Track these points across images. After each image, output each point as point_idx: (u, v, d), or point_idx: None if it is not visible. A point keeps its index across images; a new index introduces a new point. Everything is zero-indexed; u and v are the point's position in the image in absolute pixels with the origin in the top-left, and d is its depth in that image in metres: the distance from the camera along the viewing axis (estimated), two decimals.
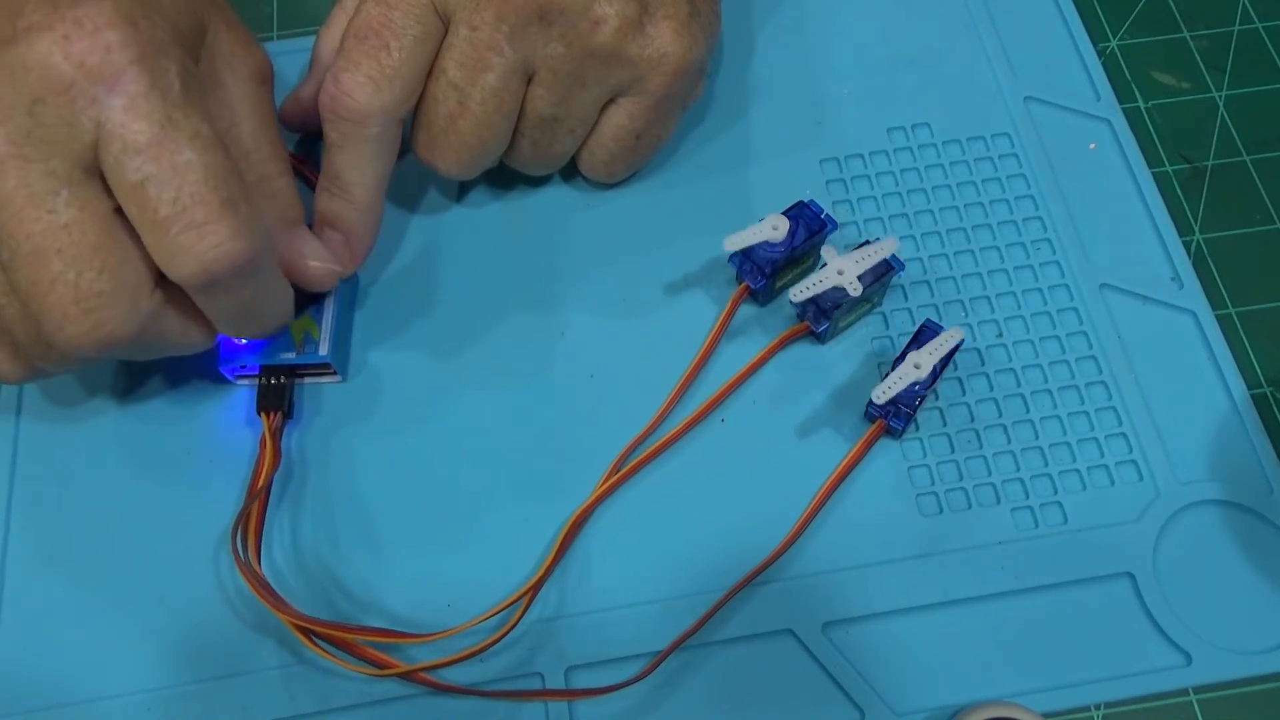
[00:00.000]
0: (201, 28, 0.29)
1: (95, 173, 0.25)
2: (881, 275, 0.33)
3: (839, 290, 0.32)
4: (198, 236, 0.25)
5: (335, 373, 0.34)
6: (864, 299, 0.34)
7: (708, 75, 0.37)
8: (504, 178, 0.38)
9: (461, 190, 0.38)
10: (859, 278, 0.32)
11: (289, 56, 0.40)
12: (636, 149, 0.35)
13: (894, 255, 0.33)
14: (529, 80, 0.32)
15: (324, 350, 0.33)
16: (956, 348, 0.32)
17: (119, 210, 0.26)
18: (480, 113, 0.32)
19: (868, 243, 0.33)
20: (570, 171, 0.37)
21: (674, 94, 0.33)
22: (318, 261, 0.32)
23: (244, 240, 0.26)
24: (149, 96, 0.25)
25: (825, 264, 0.33)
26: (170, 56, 0.26)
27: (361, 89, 0.31)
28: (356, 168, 0.32)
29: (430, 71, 0.32)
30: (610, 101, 0.34)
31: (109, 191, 0.25)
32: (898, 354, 0.32)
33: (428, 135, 0.33)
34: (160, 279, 0.27)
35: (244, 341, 0.33)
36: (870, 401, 0.32)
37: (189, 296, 0.28)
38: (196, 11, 0.28)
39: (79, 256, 0.25)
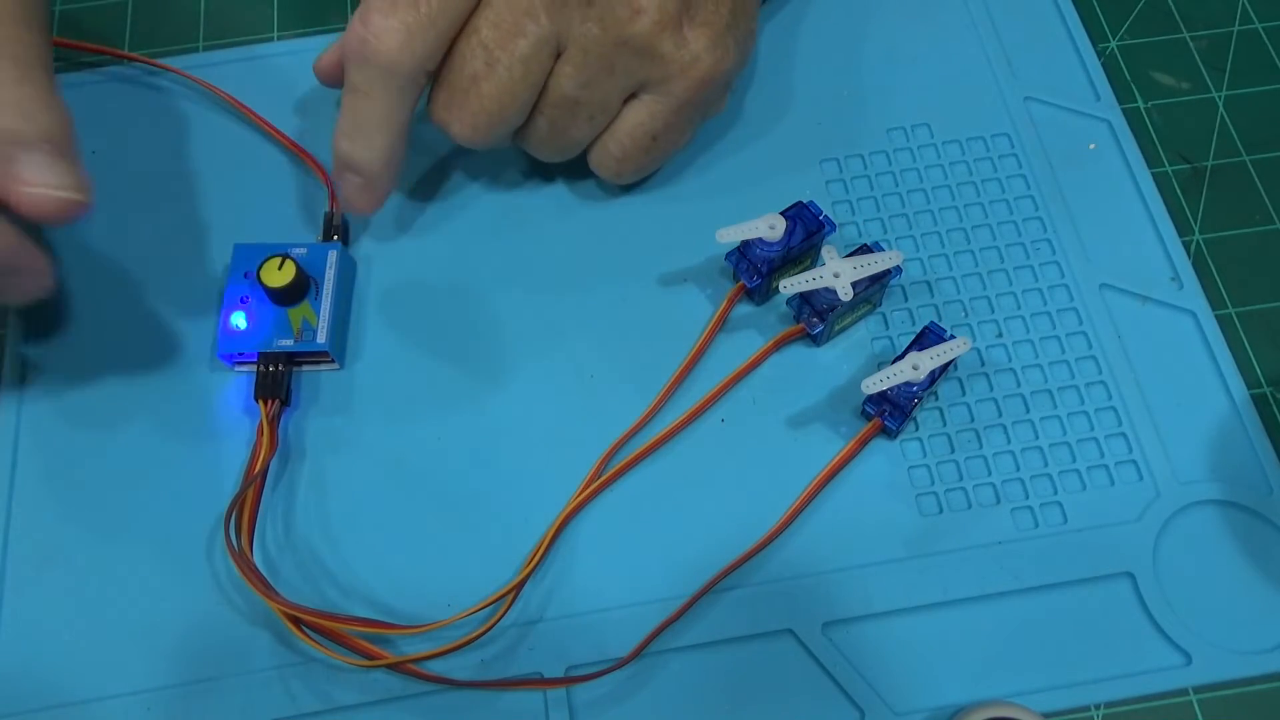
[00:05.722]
0: None
1: None
2: (879, 277, 0.33)
3: (830, 292, 0.32)
4: None
5: (333, 361, 0.34)
6: (863, 300, 0.34)
7: (733, 92, 0.37)
8: (508, 172, 0.38)
9: (465, 185, 0.38)
10: (853, 284, 0.32)
11: (289, 57, 0.41)
12: (650, 150, 0.34)
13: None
14: (558, 56, 0.31)
15: (322, 338, 0.33)
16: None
17: None
18: (505, 78, 0.31)
19: (867, 248, 0.33)
20: (572, 170, 0.37)
21: (697, 101, 0.33)
22: (41, 189, 0.27)
23: None
24: None
25: (824, 263, 0.33)
26: None
27: (393, 34, 0.30)
28: (379, 114, 0.31)
29: (462, 28, 0.31)
30: (633, 96, 0.33)
31: None
32: (897, 355, 0.32)
33: (448, 94, 0.32)
34: None
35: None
36: (865, 399, 0.32)
37: None
38: None
39: None
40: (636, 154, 0.34)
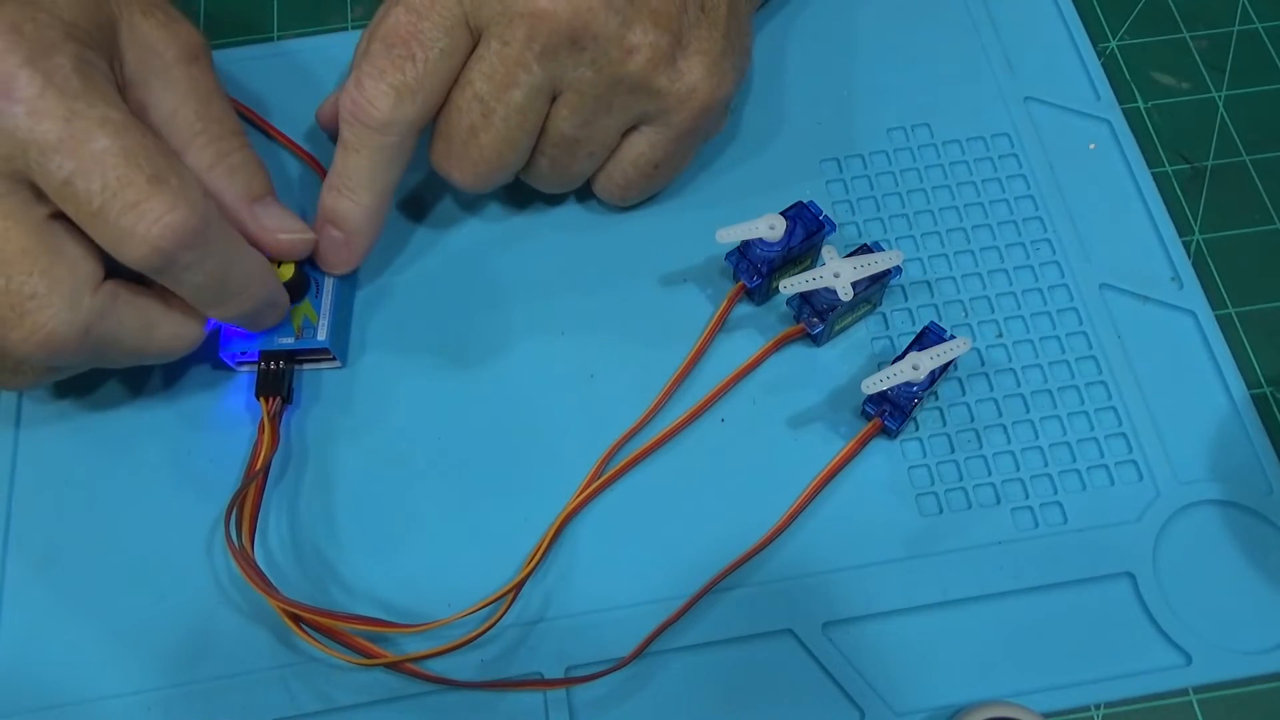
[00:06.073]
0: (110, 20, 0.29)
1: (22, 182, 0.26)
2: (879, 277, 0.33)
3: (830, 292, 0.32)
4: (136, 217, 0.26)
5: (334, 358, 0.34)
6: (863, 300, 0.34)
7: (732, 111, 0.37)
8: None
9: None
10: (853, 284, 0.32)
11: (289, 57, 0.41)
12: (654, 177, 0.35)
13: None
14: (553, 99, 0.32)
15: (322, 335, 0.33)
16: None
17: (57, 215, 0.26)
18: (503, 128, 0.31)
19: (868, 248, 0.33)
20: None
21: (697, 129, 0.33)
22: (288, 234, 0.31)
23: (183, 209, 0.26)
24: (45, 95, 0.25)
25: (824, 263, 0.33)
26: (63, 53, 0.26)
27: (385, 98, 0.30)
28: (369, 172, 0.32)
29: (455, 82, 0.31)
30: (633, 128, 0.33)
31: (43, 198, 0.26)
32: (897, 355, 0.32)
33: (446, 145, 0.32)
34: (110, 277, 0.27)
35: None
36: (865, 399, 0.32)
37: (150, 292, 0.28)
38: (102, 6, 0.29)
39: (7, 261, 0.26)
40: (640, 181, 0.35)
